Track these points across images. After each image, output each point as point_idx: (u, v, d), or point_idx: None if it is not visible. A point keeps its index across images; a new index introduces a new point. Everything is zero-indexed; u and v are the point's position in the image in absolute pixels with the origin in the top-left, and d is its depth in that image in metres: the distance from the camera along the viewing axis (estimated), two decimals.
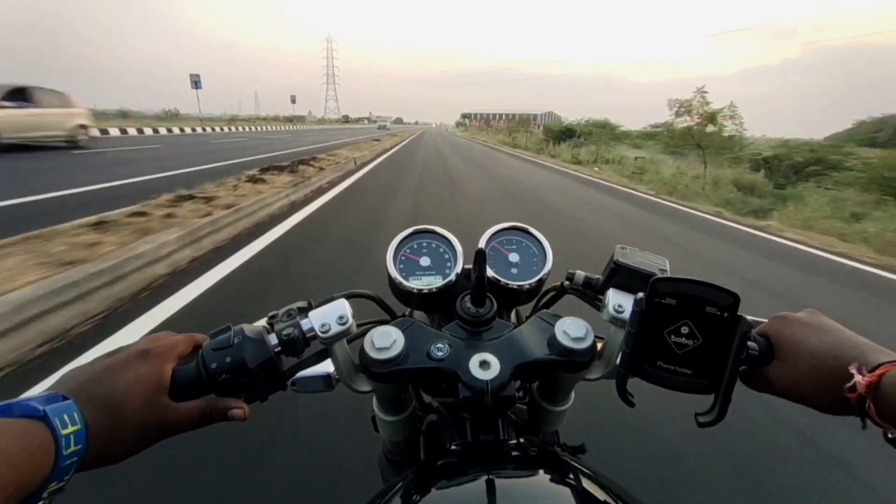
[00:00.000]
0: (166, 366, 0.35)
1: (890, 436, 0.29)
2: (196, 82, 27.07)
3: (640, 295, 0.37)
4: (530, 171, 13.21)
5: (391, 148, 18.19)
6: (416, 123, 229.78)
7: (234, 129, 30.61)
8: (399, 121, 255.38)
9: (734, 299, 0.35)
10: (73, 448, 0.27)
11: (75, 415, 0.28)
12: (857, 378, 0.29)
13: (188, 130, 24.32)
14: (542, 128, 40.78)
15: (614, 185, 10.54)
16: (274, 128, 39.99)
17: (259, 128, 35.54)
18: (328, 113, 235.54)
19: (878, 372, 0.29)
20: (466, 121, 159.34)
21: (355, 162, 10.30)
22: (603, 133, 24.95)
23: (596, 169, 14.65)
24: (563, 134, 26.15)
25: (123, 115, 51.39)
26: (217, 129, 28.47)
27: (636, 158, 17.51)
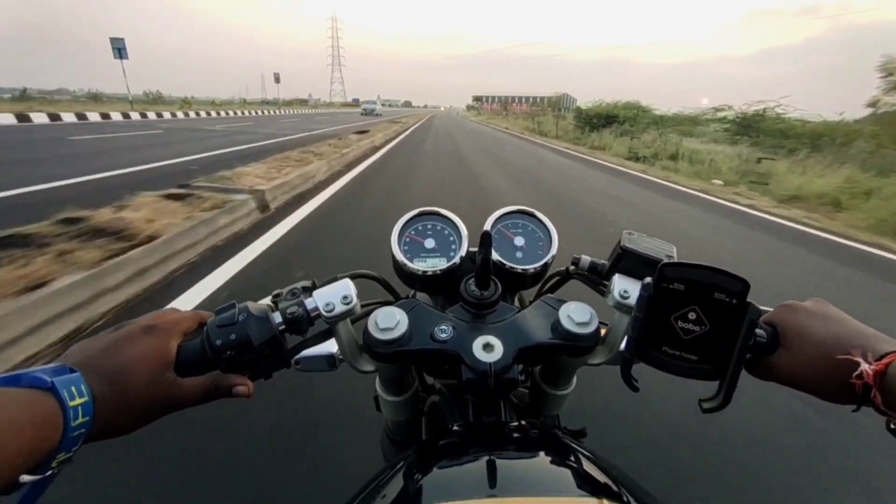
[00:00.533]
0: (171, 341, 0.37)
1: (893, 426, 0.31)
2: (119, 49, 20.39)
3: (648, 280, 0.38)
4: (624, 191, 7.49)
5: (382, 146, 11.47)
6: (426, 107, 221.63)
7: (177, 114, 23.26)
8: (408, 104, 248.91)
9: (743, 286, 0.36)
10: (80, 420, 0.29)
11: (83, 387, 0.30)
12: (864, 367, 0.31)
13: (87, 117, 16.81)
14: (561, 111, 33.38)
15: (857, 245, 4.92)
16: (248, 113, 32.80)
17: (225, 113, 29.03)
18: (334, 96, 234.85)
19: (884, 361, 0.30)
20: (477, 104, 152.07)
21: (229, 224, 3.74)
22: (643, 117, 19.84)
23: (717, 182, 9.05)
24: (605, 119, 20.17)
25: (95, 98, 45.38)
26: (152, 115, 21.14)
27: (759, 160, 10.72)
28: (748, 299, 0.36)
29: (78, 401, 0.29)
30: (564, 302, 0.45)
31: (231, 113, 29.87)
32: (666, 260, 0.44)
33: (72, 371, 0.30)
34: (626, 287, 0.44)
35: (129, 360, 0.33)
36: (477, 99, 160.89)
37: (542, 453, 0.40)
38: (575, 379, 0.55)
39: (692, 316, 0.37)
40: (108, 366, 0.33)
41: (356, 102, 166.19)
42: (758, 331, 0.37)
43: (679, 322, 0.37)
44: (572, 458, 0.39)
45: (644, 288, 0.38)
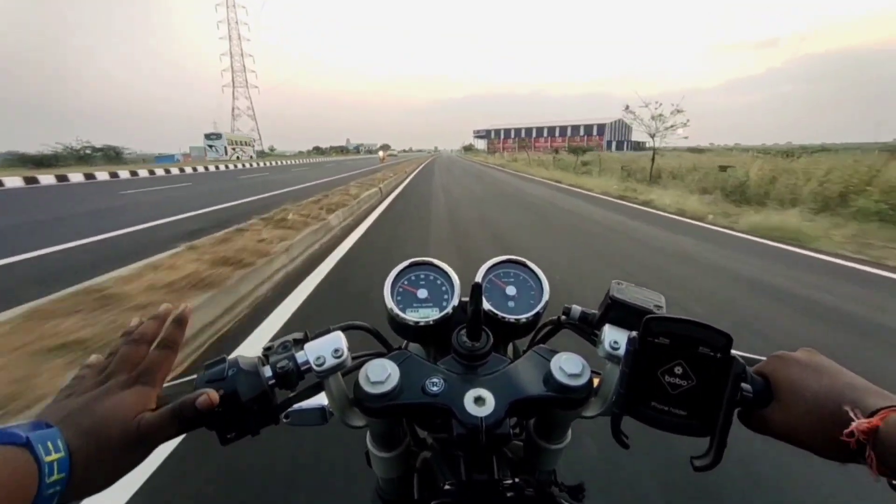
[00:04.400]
0: (152, 390, 0.37)
1: (895, 482, 0.30)
2: None
3: (634, 334, 0.39)
4: None
5: None
6: (408, 150, 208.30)
7: None
8: (386, 147, 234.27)
9: (727, 340, 0.36)
10: (56, 476, 0.29)
11: (59, 442, 0.30)
12: (855, 423, 0.30)
13: None
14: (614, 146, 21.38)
15: None
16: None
17: None
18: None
19: (877, 417, 0.29)
20: (478, 142, 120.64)
21: None
22: None
23: None
24: None
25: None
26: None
27: None
28: (733, 351, 0.36)
29: (54, 456, 0.28)
30: (556, 352, 0.45)
31: None
32: (654, 310, 0.45)
33: (48, 426, 0.30)
34: (615, 338, 0.45)
35: (107, 411, 0.33)
36: (491, 133, 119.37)
37: None
38: (570, 432, 0.54)
39: (678, 370, 0.37)
40: (87, 419, 0.32)
41: (357, 149, 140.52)
42: (745, 385, 0.37)
43: (666, 376, 0.38)
44: None
45: (630, 342, 0.38)
